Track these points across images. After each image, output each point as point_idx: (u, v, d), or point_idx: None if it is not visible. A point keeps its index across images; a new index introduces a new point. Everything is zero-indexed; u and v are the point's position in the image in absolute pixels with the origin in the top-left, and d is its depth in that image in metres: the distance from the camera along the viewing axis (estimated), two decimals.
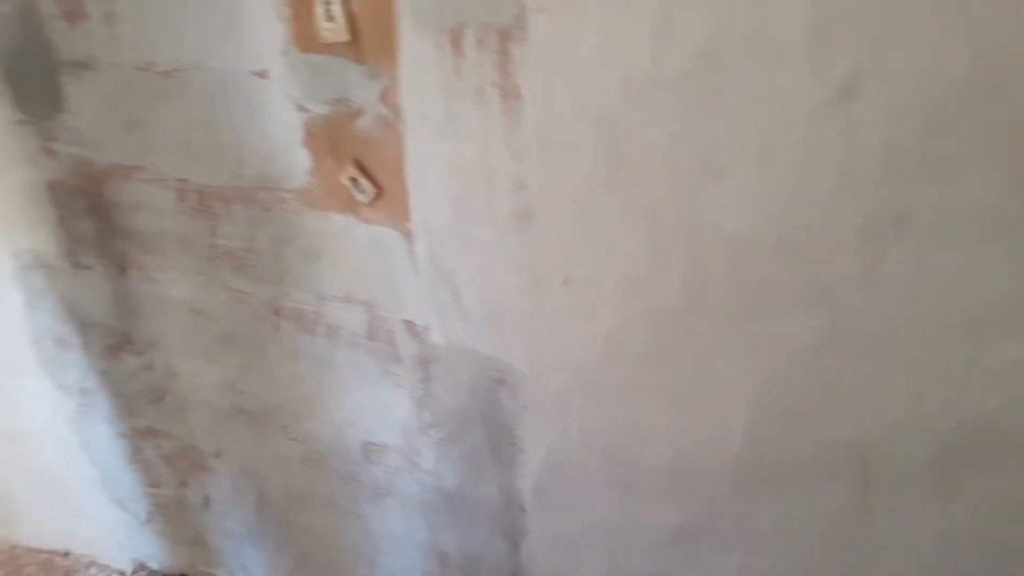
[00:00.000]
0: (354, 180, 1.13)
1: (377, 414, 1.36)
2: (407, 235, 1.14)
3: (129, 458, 1.68)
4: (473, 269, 1.12)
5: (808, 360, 0.95)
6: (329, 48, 1.05)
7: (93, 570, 1.93)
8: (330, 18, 1.02)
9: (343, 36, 1.02)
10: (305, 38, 1.06)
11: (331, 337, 1.33)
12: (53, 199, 1.43)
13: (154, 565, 1.88)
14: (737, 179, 0.88)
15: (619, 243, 0.99)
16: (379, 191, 1.13)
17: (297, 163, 1.18)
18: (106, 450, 1.69)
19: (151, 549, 1.85)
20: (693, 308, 0.98)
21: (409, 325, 1.23)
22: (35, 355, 1.64)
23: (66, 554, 1.98)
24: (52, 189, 1.42)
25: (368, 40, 1.02)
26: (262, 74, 1.13)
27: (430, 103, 1.02)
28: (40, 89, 1.32)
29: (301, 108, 1.12)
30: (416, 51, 0.99)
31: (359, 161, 1.12)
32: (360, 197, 1.14)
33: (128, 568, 1.91)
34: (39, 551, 1.99)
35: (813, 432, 0.99)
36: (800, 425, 1.00)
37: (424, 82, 1.01)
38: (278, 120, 1.16)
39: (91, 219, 1.42)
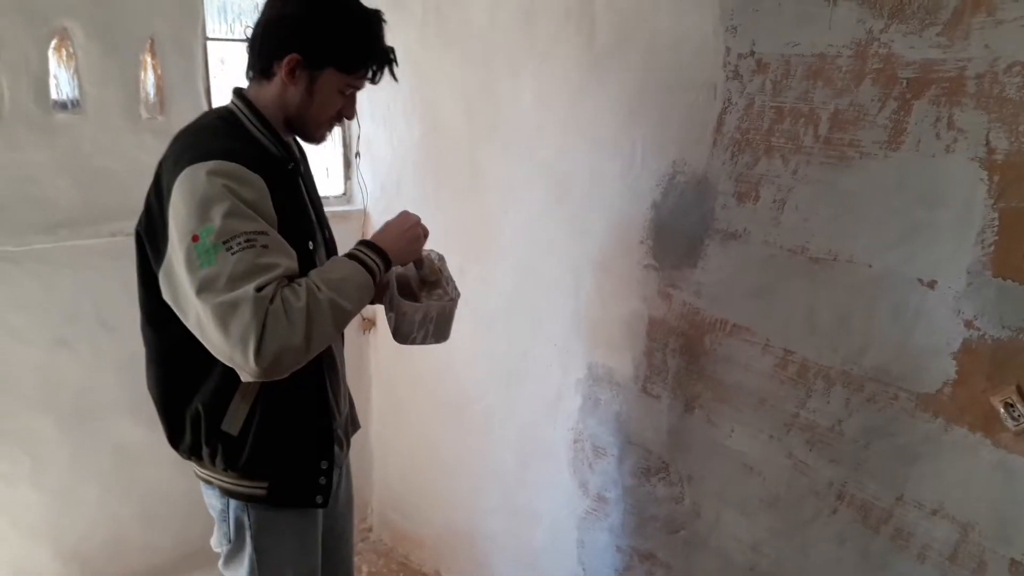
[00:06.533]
0: (1010, 405, 1.12)
1: None
2: None
3: (618, 571, 1.81)
4: None
5: None
6: None
7: None
8: None
9: None
10: (1006, 264, 1.11)
11: (896, 541, 1.30)
12: (649, 332, 1.67)
13: None
14: None
15: None
16: None
17: (936, 370, 1.21)
18: (599, 556, 1.84)
19: None
20: None
21: (1016, 566, 1.15)
22: (570, 452, 1.89)
23: None
24: (652, 324, 1.66)
25: None
26: (929, 284, 1.20)
27: None
28: (682, 245, 1.57)
29: (969, 324, 1.16)
30: None
31: (1023, 389, 1.11)
32: (1009, 423, 1.12)
33: None
34: None
35: None
36: None
37: None
38: (931, 327, 1.21)
39: (678, 358, 1.62)
